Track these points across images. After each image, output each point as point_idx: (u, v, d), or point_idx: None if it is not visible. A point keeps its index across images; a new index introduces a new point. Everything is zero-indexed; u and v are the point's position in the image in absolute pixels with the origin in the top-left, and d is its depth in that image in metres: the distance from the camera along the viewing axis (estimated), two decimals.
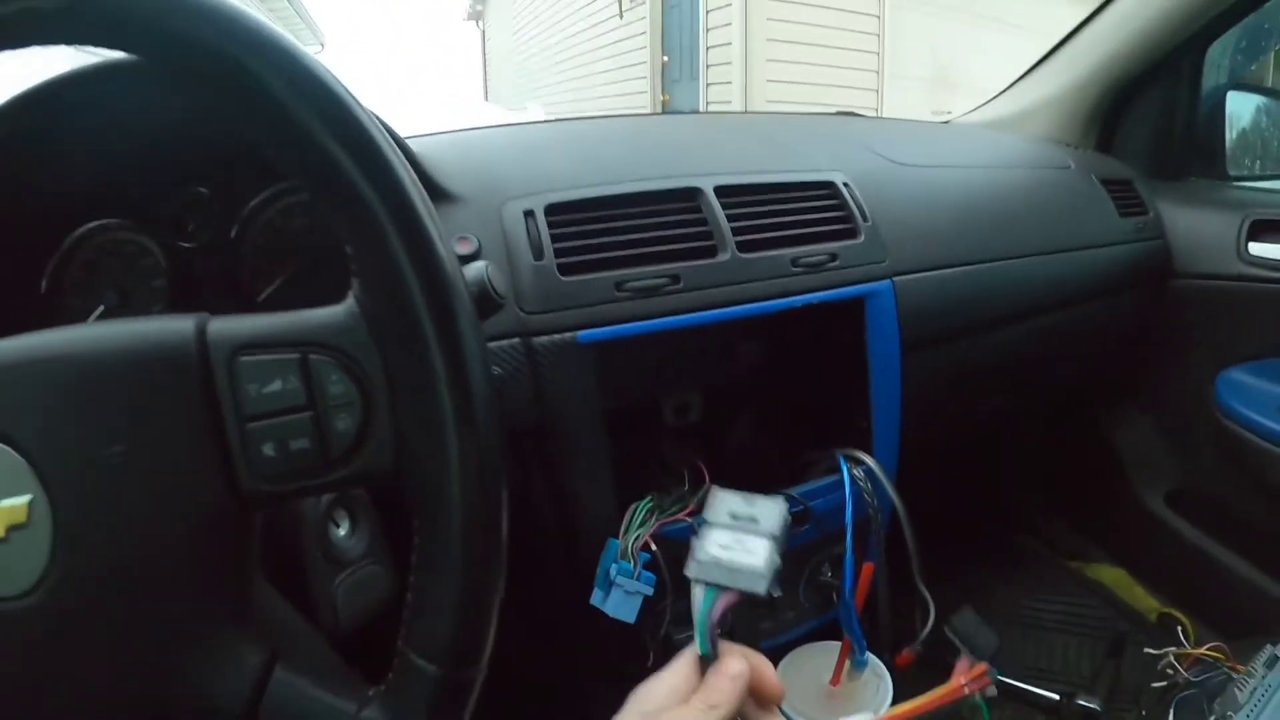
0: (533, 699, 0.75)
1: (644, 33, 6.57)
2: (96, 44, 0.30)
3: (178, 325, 0.32)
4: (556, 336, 0.59)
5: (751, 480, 0.70)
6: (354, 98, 0.32)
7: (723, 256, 0.66)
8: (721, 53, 5.73)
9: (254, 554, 0.36)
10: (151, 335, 0.32)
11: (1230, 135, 1.23)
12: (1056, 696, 0.97)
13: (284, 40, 0.31)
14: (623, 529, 0.62)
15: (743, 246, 0.67)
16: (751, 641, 0.57)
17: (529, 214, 0.62)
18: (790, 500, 0.70)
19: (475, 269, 0.39)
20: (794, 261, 0.69)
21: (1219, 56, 1.23)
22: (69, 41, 0.30)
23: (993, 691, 0.60)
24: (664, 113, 5.76)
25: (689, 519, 0.64)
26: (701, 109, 5.91)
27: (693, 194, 0.68)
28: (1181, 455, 1.17)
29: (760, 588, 0.39)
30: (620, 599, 0.59)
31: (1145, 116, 1.21)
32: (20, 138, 0.52)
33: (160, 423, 0.31)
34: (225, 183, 0.61)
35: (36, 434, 0.30)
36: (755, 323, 0.68)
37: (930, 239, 0.81)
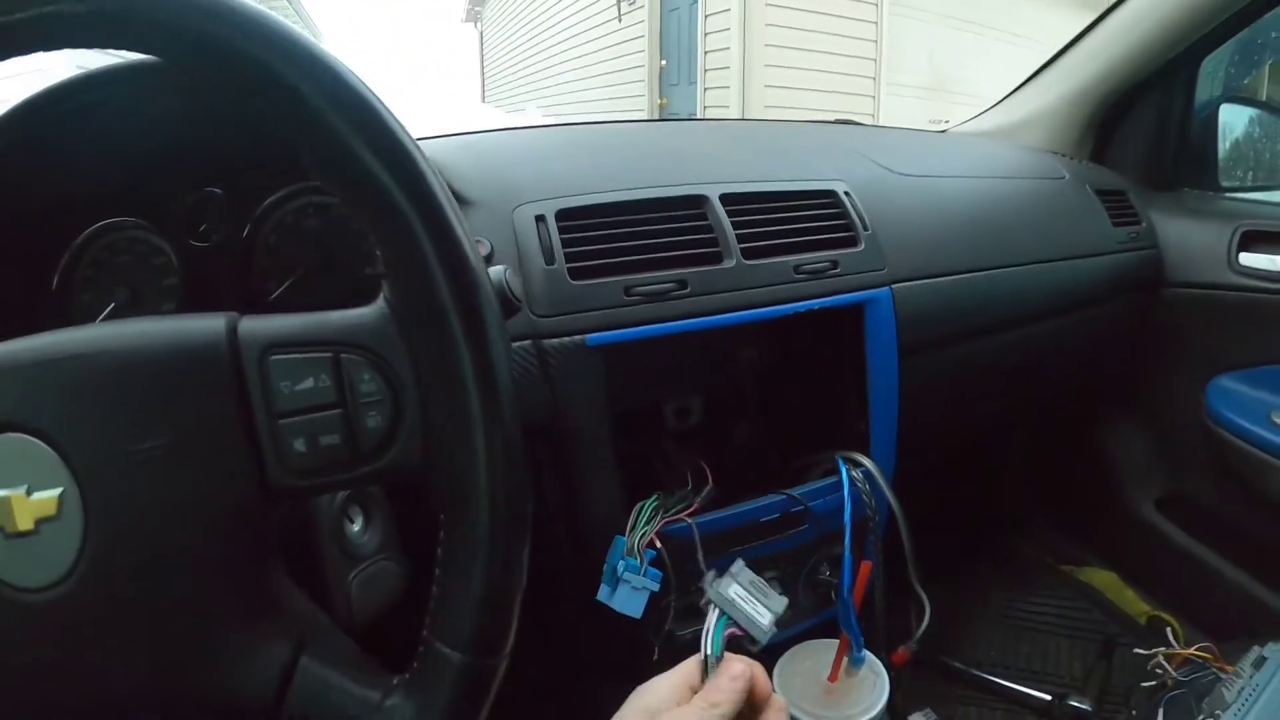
0: (537, 695, 0.76)
1: (642, 36, 6.57)
2: (128, 48, 0.31)
3: (209, 324, 0.33)
4: (566, 339, 0.60)
5: (752, 481, 0.72)
6: (386, 107, 0.33)
7: (728, 263, 0.67)
8: (720, 57, 5.74)
9: (274, 547, 0.36)
10: (183, 333, 0.33)
11: (1223, 147, 1.24)
12: (1048, 697, 0.98)
13: (321, 50, 0.32)
14: (629, 526, 0.63)
15: (747, 253, 0.68)
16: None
17: (540, 219, 0.63)
18: (790, 500, 0.71)
19: (494, 273, 0.40)
20: (796, 268, 0.70)
21: (1213, 69, 1.24)
22: (101, 45, 0.30)
23: None
24: (665, 118, 5.78)
25: (690, 519, 0.65)
26: (699, 113, 5.92)
27: (699, 201, 0.69)
28: (1172, 461, 1.18)
29: (761, 639, 0.58)
30: (627, 594, 0.60)
31: (1139, 128, 1.22)
32: (32, 139, 0.52)
33: (191, 418, 0.32)
34: (238, 183, 0.61)
35: (68, 428, 0.31)
36: (757, 327, 0.69)
37: (928, 247, 0.83)
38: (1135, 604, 1.18)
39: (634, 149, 0.84)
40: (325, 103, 0.31)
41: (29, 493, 0.30)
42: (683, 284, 0.64)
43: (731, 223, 0.68)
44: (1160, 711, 0.83)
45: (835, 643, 0.68)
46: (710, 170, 0.76)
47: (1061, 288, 0.99)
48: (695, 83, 6.06)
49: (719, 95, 5.79)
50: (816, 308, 0.71)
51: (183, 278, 0.61)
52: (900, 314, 0.77)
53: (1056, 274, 0.97)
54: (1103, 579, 1.23)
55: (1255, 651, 0.79)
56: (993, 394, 1.01)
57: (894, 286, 0.77)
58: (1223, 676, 0.80)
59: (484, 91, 12.57)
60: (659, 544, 0.62)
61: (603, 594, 0.61)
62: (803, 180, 0.79)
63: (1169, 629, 1.05)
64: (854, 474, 0.72)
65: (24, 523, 0.30)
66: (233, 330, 0.33)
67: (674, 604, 0.64)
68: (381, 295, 0.34)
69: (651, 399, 0.77)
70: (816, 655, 0.69)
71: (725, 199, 0.70)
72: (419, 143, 0.34)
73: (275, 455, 0.33)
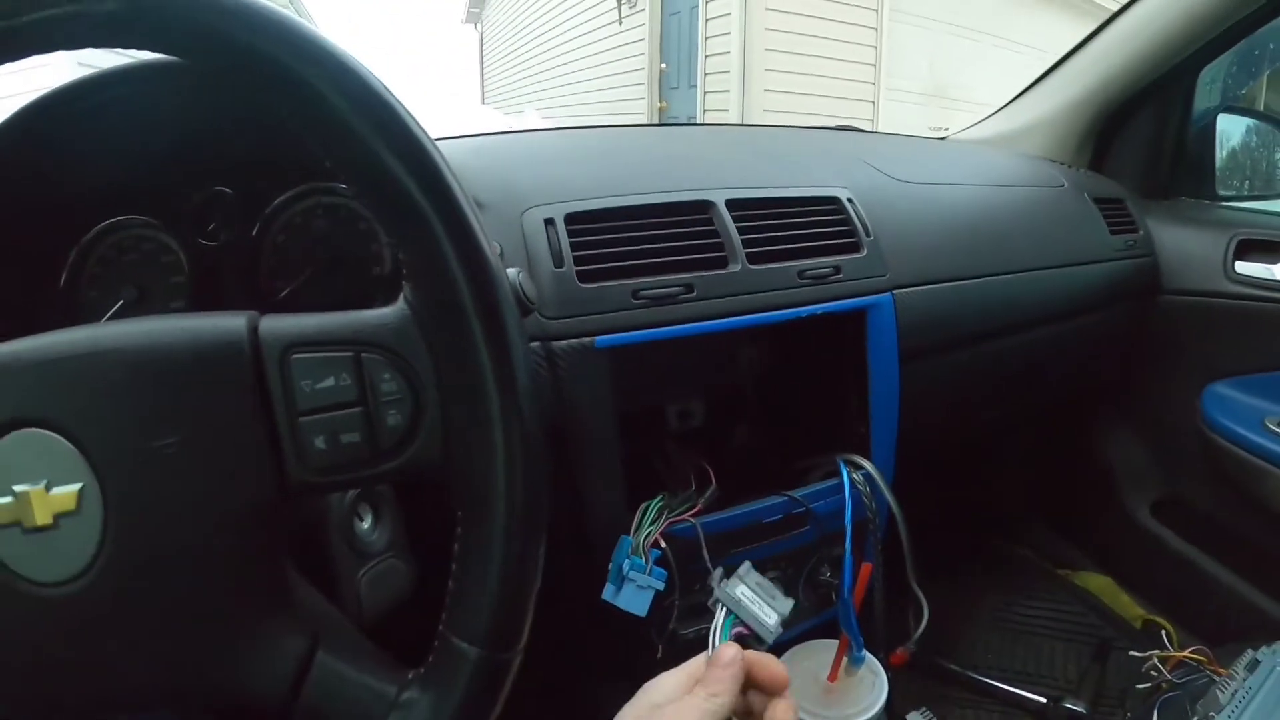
0: (539, 694, 0.76)
1: (642, 39, 6.57)
2: (147, 48, 0.31)
3: (231, 322, 0.33)
4: (575, 341, 0.61)
5: (754, 482, 0.73)
6: (408, 111, 0.34)
7: (734, 267, 0.68)
8: (720, 61, 5.74)
9: (286, 543, 0.37)
10: (205, 331, 0.33)
11: (1220, 156, 1.25)
12: (1043, 699, 0.99)
13: (342, 50, 0.33)
14: (634, 526, 0.63)
15: (752, 258, 0.69)
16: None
17: (549, 222, 0.63)
18: (792, 502, 0.72)
19: (509, 275, 0.41)
20: (800, 273, 0.71)
21: (1211, 79, 1.25)
22: (123, 45, 0.31)
23: None
24: (667, 123, 5.79)
25: (694, 520, 0.66)
26: (699, 117, 5.93)
27: (705, 206, 0.70)
28: (1167, 467, 1.19)
29: (767, 639, 0.61)
30: (632, 593, 0.61)
31: (1138, 137, 1.23)
32: (42, 138, 0.52)
33: (211, 415, 0.32)
34: (247, 183, 0.62)
35: (88, 424, 0.31)
36: (760, 330, 0.70)
37: (929, 254, 0.84)
38: (1130, 608, 1.18)
39: (640, 153, 0.85)
40: (345, 103, 0.32)
41: (48, 488, 0.31)
42: (689, 288, 0.65)
43: (737, 228, 0.69)
44: (1155, 714, 0.84)
45: (835, 643, 0.69)
46: (715, 175, 0.77)
47: (1060, 294, 1.00)
48: (695, 86, 6.06)
49: (719, 99, 5.79)
50: (820, 312, 0.71)
51: (190, 276, 0.61)
52: (901, 319, 0.78)
53: (1055, 281, 0.98)
54: (1098, 583, 1.24)
55: (1249, 655, 0.79)
56: (991, 399, 1.01)
57: (895, 292, 0.78)
58: (1216, 679, 0.81)
59: (484, 93, 12.57)
60: (664, 544, 0.63)
61: (608, 593, 0.62)
62: (806, 186, 0.79)
63: (1163, 632, 1.06)
64: (855, 476, 0.73)
65: (43, 517, 0.30)
66: (254, 329, 0.33)
67: (678, 603, 0.65)
68: (402, 296, 0.35)
69: (655, 400, 0.78)
70: (816, 655, 0.70)
71: (731, 204, 0.71)
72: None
73: (295, 452, 0.33)
